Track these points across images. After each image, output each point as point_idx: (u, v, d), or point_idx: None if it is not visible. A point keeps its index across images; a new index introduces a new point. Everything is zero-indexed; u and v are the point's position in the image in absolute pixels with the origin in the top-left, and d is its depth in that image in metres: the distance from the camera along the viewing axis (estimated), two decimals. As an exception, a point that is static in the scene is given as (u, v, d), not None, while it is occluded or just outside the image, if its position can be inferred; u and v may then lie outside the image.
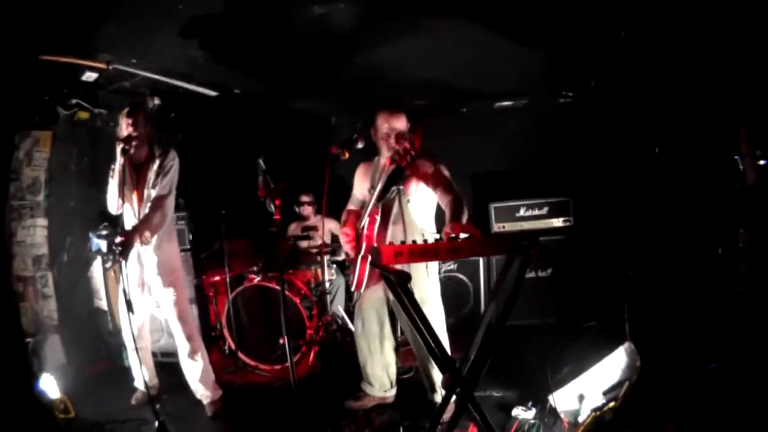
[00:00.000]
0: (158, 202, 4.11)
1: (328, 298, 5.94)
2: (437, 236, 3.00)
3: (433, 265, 4.02)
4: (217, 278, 5.75)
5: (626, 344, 3.78)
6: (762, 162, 3.96)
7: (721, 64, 4.45)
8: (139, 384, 4.45)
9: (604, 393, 3.61)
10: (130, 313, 3.81)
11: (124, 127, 4.04)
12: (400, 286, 2.76)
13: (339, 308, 6.05)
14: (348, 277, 6.15)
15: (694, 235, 4.69)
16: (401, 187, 3.87)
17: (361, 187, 4.25)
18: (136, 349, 4.12)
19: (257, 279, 5.45)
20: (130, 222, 4.19)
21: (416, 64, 5.07)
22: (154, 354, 4.82)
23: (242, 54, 4.71)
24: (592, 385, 3.67)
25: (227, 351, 5.60)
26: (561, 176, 6.29)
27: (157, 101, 5.38)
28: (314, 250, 5.97)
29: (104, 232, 5.12)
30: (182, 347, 4.33)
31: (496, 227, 6.08)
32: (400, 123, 3.92)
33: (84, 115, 5.39)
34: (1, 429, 3.58)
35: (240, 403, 4.59)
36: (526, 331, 5.39)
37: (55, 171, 5.28)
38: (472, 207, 5.55)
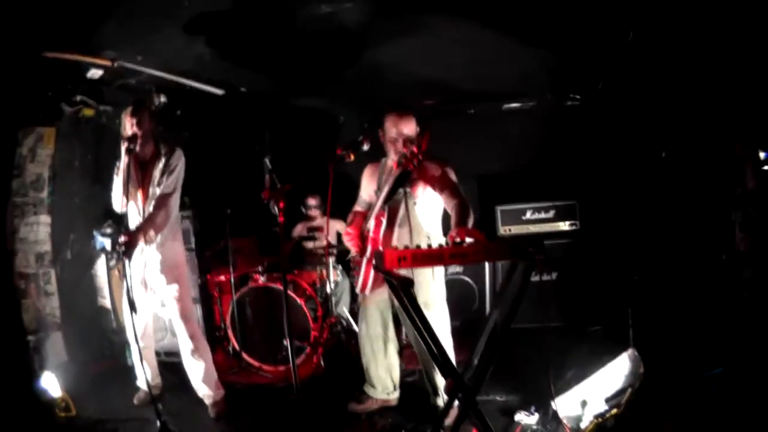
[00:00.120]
0: (162, 201, 4.09)
1: (333, 299, 5.92)
2: (444, 239, 2.98)
3: (439, 269, 4.00)
4: (222, 278, 5.74)
5: (630, 350, 3.76)
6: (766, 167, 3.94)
7: (726, 68, 4.42)
8: (141, 383, 4.45)
9: (607, 400, 3.58)
10: (133, 313, 3.79)
11: (128, 126, 4.02)
12: (402, 290, 2.73)
13: (344, 310, 6.05)
14: (353, 279, 6.13)
15: (700, 240, 4.67)
16: (408, 189, 3.85)
17: (368, 188, 4.22)
18: (139, 348, 4.11)
19: (262, 279, 5.44)
20: (134, 220, 4.19)
21: (424, 64, 5.05)
22: (157, 353, 4.80)
23: (248, 52, 4.70)
24: (595, 391, 3.65)
25: (231, 351, 5.59)
26: (568, 179, 6.27)
27: (163, 98, 5.36)
28: (320, 251, 5.95)
29: (108, 230, 5.14)
30: (185, 346, 4.32)
31: (502, 230, 6.06)
32: (409, 127, 3.87)
33: (89, 111, 5.39)
34: (2, 426, 3.59)
35: (243, 403, 4.58)
36: (531, 334, 5.37)
37: (59, 168, 5.27)
38: (479, 209, 5.54)
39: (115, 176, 4.14)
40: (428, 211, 3.94)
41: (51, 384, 4.25)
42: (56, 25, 3.74)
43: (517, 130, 6.65)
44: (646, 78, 5.07)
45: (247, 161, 6.76)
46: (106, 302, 5.60)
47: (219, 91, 5.61)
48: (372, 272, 3.94)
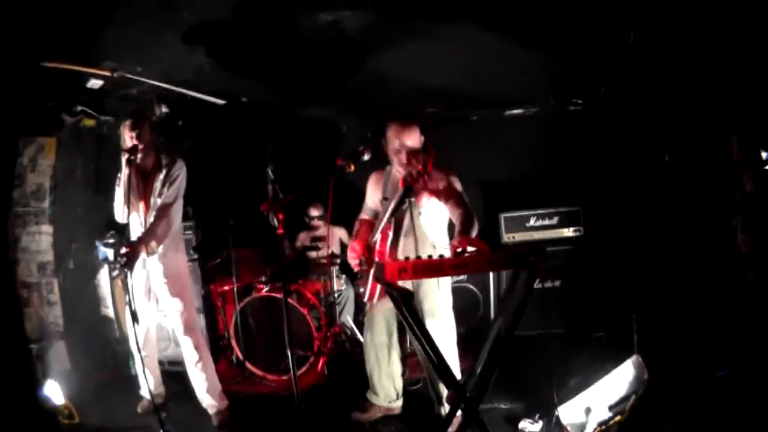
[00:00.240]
0: (163, 211, 4.09)
1: (337, 308, 5.92)
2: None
3: (445, 278, 3.99)
4: (225, 288, 5.74)
5: (634, 357, 3.74)
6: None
7: (727, 71, 4.41)
8: (144, 392, 4.44)
9: (611, 407, 3.56)
10: (135, 324, 3.79)
11: (128, 138, 4.02)
12: (402, 302, 2.73)
13: (348, 319, 6.03)
14: (357, 288, 6.13)
15: (703, 244, 4.66)
16: (413, 200, 3.82)
17: (373, 196, 4.22)
18: (141, 357, 4.10)
19: (266, 289, 5.44)
20: (136, 230, 4.18)
21: (425, 71, 5.04)
22: (161, 362, 4.80)
23: (249, 61, 4.70)
24: (599, 398, 3.64)
25: (235, 361, 5.58)
26: (571, 185, 6.25)
27: (164, 109, 5.37)
28: (323, 261, 5.95)
29: (111, 241, 5.14)
30: (189, 357, 4.32)
31: (506, 237, 6.04)
32: (412, 138, 3.85)
33: (90, 122, 5.40)
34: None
35: (246, 413, 4.57)
36: (535, 341, 5.34)
37: (61, 178, 5.28)
38: (483, 217, 5.52)
39: (116, 187, 4.15)
40: (433, 221, 3.93)
41: (54, 392, 4.26)
42: (56, 35, 3.74)
43: (519, 136, 6.65)
44: (648, 82, 5.05)
45: (249, 171, 6.76)
46: (110, 312, 5.61)
47: (220, 102, 5.61)
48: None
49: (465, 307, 5.78)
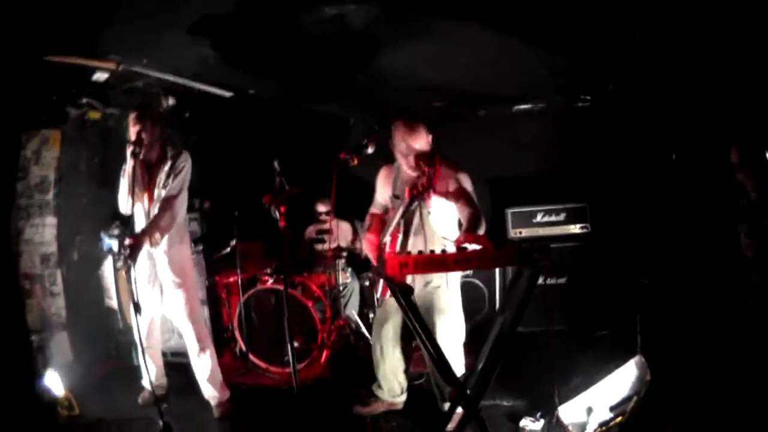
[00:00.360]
0: (168, 203, 4.09)
1: (342, 301, 5.93)
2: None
3: (454, 276, 3.98)
4: (231, 279, 5.75)
5: (637, 357, 3.71)
6: None
7: (736, 70, 4.37)
8: (146, 383, 4.44)
9: (612, 408, 3.54)
10: (138, 315, 3.79)
11: (133, 130, 4.01)
12: (402, 297, 2.71)
13: (353, 312, 6.03)
14: (363, 282, 6.13)
15: (709, 244, 4.63)
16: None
17: (383, 191, 4.19)
18: (143, 348, 4.10)
19: (270, 281, 5.45)
20: (140, 222, 4.18)
21: (430, 67, 5.02)
22: (164, 354, 4.81)
23: (253, 55, 4.68)
24: (601, 397, 3.61)
25: (238, 353, 5.60)
26: (579, 182, 6.22)
27: (171, 101, 5.37)
28: (330, 254, 5.95)
29: (116, 232, 5.14)
30: (192, 348, 4.34)
31: (513, 233, 6.04)
32: (419, 141, 3.78)
33: (95, 114, 5.40)
34: (2, 424, 3.60)
35: (248, 405, 4.57)
36: (538, 338, 5.34)
37: (65, 170, 5.29)
38: (490, 212, 5.50)
39: (121, 178, 4.15)
40: (443, 218, 3.90)
41: (54, 383, 4.28)
42: (60, 28, 3.74)
43: (527, 132, 6.61)
44: (656, 79, 5.02)
45: (255, 164, 6.75)
46: (113, 303, 5.64)
47: (227, 94, 5.60)
48: None
49: (471, 303, 5.73)
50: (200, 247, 5.69)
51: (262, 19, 3.96)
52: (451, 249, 2.95)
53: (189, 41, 4.15)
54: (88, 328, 5.42)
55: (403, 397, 4.32)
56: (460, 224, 3.85)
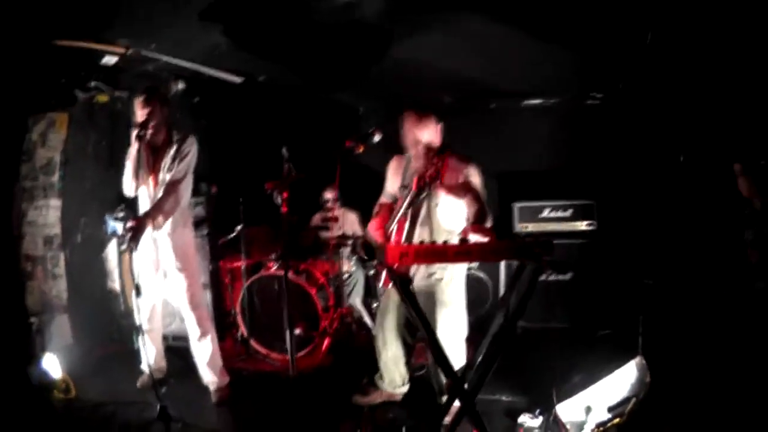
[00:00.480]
0: (172, 187, 4.08)
1: (346, 290, 5.91)
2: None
3: (459, 269, 3.96)
4: (235, 264, 5.76)
5: (638, 359, 3.69)
6: None
7: (746, 73, 4.33)
8: (145, 366, 4.46)
9: (610, 409, 3.51)
10: (139, 297, 3.80)
11: (139, 114, 4.01)
12: (401, 287, 2.69)
13: (357, 301, 6.02)
14: (368, 271, 6.11)
15: (715, 247, 4.60)
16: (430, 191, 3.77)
17: (393, 181, 4.16)
18: (142, 331, 4.11)
19: (274, 267, 5.44)
20: (145, 205, 4.19)
21: (444, 59, 5.02)
22: (165, 338, 4.83)
23: (264, 42, 4.66)
24: (600, 397, 3.59)
25: (240, 338, 5.59)
26: (587, 179, 6.20)
27: (181, 85, 5.36)
28: (335, 242, 5.93)
29: (121, 215, 5.15)
30: (193, 332, 4.34)
31: (519, 227, 6.03)
32: (428, 132, 3.76)
33: (103, 98, 5.40)
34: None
35: (247, 391, 4.56)
36: (540, 334, 5.31)
37: (72, 153, 5.29)
38: (498, 207, 5.48)
39: (127, 161, 4.14)
40: (451, 212, 3.86)
41: (52, 365, 4.28)
42: (69, 12, 3.72)
43: (537, 127, 6.59)
44: (666, 80, 4.98)
45: (264, 150, 6.75)
46: (116, 286, 5.66)
47: (237, 79, 5.58)
48: None
49: (474, 296, 5.73)
50: (204, 231, 5.68)
51: (273, 6, 3.94)
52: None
53: (200, 27, 4.13)
54: (90, 311, 5.44)
55: (404, 389, 4.31)
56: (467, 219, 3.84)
